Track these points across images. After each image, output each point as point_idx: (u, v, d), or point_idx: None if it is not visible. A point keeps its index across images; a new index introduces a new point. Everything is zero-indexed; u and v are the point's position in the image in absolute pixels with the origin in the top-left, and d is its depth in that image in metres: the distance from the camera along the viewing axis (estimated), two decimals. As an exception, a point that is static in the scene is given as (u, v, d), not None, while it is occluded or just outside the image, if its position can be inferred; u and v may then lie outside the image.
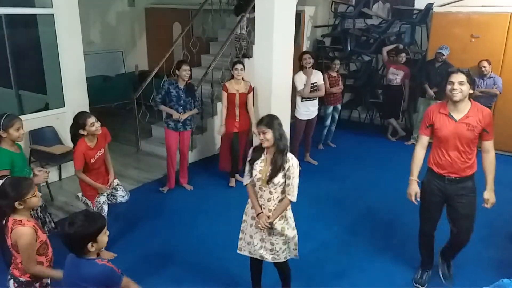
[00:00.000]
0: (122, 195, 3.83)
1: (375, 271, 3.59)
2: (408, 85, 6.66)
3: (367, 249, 3.90)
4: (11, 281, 2.47)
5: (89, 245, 2.00)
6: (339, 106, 6.47)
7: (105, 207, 3.62)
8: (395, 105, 6.80)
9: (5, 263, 3.07)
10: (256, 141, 5.39)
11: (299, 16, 7.08)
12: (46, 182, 4.69)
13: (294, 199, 2.84)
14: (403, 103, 6.75)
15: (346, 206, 4.73)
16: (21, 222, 2.35)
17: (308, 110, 5.57)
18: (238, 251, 3.07)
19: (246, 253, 3.03)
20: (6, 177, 2.54)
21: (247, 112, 5.04)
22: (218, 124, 5.66)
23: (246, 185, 2.95)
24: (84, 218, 2.01)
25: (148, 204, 4.72)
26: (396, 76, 6.59)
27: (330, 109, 6.35)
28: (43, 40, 5.23)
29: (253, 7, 5.20)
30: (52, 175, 5.09)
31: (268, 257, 2.95)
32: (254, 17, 5.23)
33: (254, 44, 5.39)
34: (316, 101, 5.58)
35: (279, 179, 2.78)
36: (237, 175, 5.34)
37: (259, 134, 2.72)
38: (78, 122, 3.33)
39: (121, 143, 6.28)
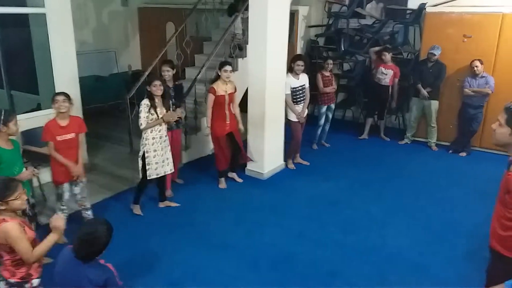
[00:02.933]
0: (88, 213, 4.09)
1: (369, 270, 3.60)
2: (397, 85, 6.67)
3: (361, 248, 3.91)
4: (1, 283, 2.46)
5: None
6: (332, 106, 6.48)
7: (66, 195, 3.85)
8: (380, 104, 6.83)
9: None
10: (250, 142, 5.40)
11: (292, 16, 7.08)
12: (39, 182, 4.68)
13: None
14: (392, 102, 6.76)
15: (341, 206, 4.74)
16: (4, 220, 2.33)
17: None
18: (148, 178, 4.25)
19: (154, 176, 4.29)
20: None
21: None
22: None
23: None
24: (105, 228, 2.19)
25: (141, 205, 4.69)
26: (384, 75, 6.60)
27: (324, 108, 6.36)
28: (35, 40, 5.19)
29: (247, 7, 5.19)
30: (45, 175, 5.04)
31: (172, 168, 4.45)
32: (248, 16, 5.21)
33: (248, 44, 5.38)
34: (302, 104, 5.58)
35: None
36: (233, 173, 5.33)
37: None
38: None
39: (114, 143, 6.24)
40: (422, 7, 6.68)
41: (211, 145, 5.73)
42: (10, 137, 3.29)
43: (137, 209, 4.50)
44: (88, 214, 4.12)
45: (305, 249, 3.90)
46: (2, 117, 3.17)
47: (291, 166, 5.79)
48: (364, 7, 7.54)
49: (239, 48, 6.28)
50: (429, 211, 4.63)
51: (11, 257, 2.39)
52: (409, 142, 6.83)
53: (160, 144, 4.26)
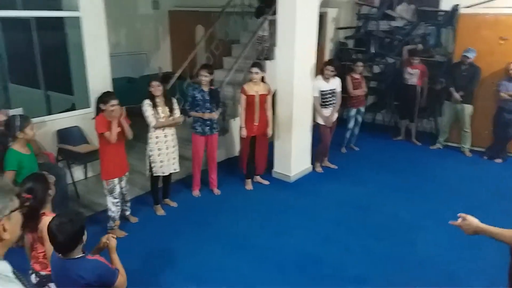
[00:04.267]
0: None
1: (398, 277, 3.52)
2: (427, 84, 6.53)
3: (390, 254, 3.83)
4: (33, 276, 2.54)
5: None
6: (362, 109, 6.39)
7: (117, 189, 4.01)
8: (409, 105, 6.69)
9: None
10: (277, 144, 5.39)
11: (321, 18, 7.04)
12: (72, 180, 4.84)
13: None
14: (421, 101, 6.61)
15: (369, 211, 4.66)
16: (45, 214, 2.43)
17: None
18: (154, 175, 4.39)
19: (160, 174, 4.40)
20: (29, 178, 2.59)
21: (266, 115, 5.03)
22: (239, 125, 5.66)
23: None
24: (67, 220, 2.08)
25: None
26: (411, 75, 6.48)
27: (353, 111, 6.28)
28: (70, 42, 5.35)
29: (275, 10, 5.19)
30: (78, 173, 5.21)
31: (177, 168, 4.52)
32: (275, 19, 5.21)
33: (276, 46, 5.38)
34: (331, 108, 5.51)
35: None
36: (257, 177, 5.34)
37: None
38: (102, 97, 3.78)
39: (144, 143, 6.35)
40: (455, 8, 6.51)
41: (238, 147, 5.77)
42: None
43: (159, 210, 4.57)
44: (128, 206, 4.31)
45: (332, 253, 3.85)
46: (17, 123, 3.22)
47: (319, 169, 5.73)
48: (395, 9, 7.42)
49: (266, 57, 6.25)
50: (462, 218, 4.47)
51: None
52: (441, 147, 6.65)
53: (165, 143, 4.33)
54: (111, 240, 2.31)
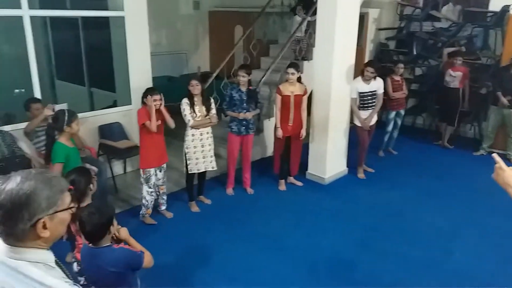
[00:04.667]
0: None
1: (433, 286, 3.40)
2: (469, 87, 6.30)
3: (425, 262, 3.71)
4: (75, 264, 2.65)
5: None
6: (402, 112, 6.22)
7: (153, 179, 4.17)
8: (450, 109, 6.43)
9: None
10: (312, 145, 5.34)
11: (362, 18, 6.92)
12: (112, 174, 5.00)
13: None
14: (463, 105, 6.35)
15: (406, 216, 4.54)
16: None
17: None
18: (189, 172, 4.45)
19: (195, 171, 4.46)
20: (73, 170, 2.73)
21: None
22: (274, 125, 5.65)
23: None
24: (95, 211, 2.18)
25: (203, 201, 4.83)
26: (453, 78, 6.24)
27: (393, 114, 6.13)
28: (114, 41, 5.52)
29: (315, 10, 5.14)
30: (117, 168, 5.38)
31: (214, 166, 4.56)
32: (315, 20, 5.17)
33: (314, 46, 5.33)
34: (371, 110, 5.38)
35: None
36: (291, 178, 5.32)
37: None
38: (146, 92, 4.03)
39: (180, 140, 6.48)
40: (505, 9, 6.21)
41: (272, 147, 5.76)
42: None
43: (193, 206, 4.65)
44: (164, 199, 4.43)
45: (366, 258, 3.77)
46: (66, 118, 3.37)
47: (361, 175, 5.56)
48: (440, 9, 7.17)
49: (301, 54, 6.20)
50: (504, 229, 4.27)
51: None
52: (485, 154, 6.36)
53: (200, 141, 4.42)
54: (119, 231, 2.37)
